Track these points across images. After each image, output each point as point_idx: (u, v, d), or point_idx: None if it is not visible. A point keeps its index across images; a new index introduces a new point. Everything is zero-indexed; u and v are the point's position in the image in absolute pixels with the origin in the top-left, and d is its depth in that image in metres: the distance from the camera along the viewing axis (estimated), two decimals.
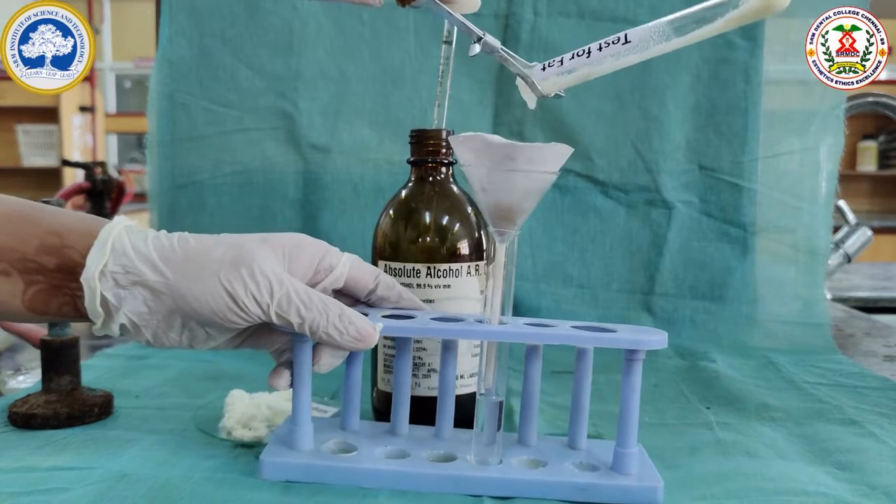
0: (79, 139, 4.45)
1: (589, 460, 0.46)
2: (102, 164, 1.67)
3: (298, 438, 0.46)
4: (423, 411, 0.51)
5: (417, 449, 0.47)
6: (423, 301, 0.53)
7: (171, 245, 0.43)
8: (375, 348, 0.54)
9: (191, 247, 0.44)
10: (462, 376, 0.54)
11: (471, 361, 0.54)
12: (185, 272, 0.43)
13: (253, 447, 0.51)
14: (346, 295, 0.49)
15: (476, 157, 0.43)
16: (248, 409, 0.54)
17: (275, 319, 0.43)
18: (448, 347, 0.48)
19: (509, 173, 0.42)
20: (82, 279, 0.43)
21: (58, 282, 0.44)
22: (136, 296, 0.43)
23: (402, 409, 0.49)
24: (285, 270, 0.45)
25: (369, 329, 0.44)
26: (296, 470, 0.45)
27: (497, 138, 0.43)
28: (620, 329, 0.46)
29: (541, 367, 0.48)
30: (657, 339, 0.45)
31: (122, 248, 0.43)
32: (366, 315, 0.46)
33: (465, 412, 0.50)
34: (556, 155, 0.43)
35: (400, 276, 0.53)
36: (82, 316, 0.44)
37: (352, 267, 0.48)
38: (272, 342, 0.49)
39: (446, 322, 0.47)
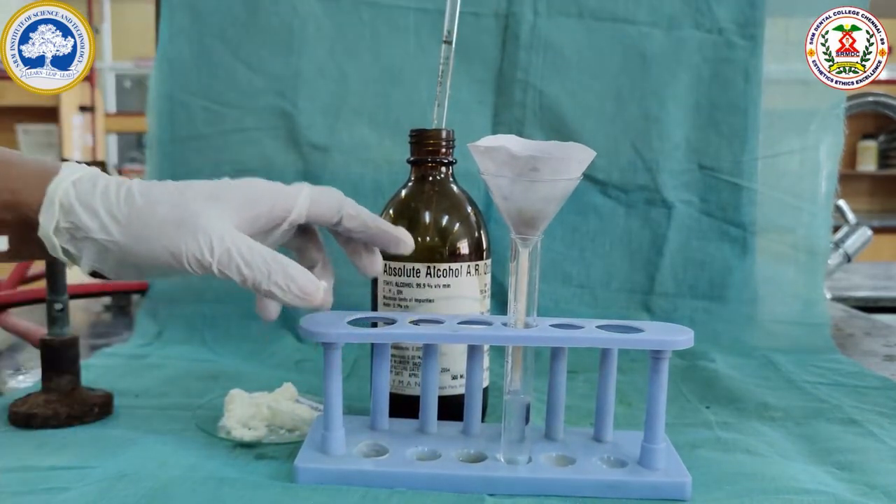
0: (79, 139, 4.44)
1: (616, 455, 0.47)
2: (102, 164, 1.68)
3: (331, 443, 0.47)
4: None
5: (447, 448, 0.48)
6: (423, 301, 0.53)
7: (117, 199, 0.44)
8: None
9: (136, 203, 0.44)
10: (462, 376, 0.54)
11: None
12: (129, 231, 0.43)
13: (253, 447, 0.51)
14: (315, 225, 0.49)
15: (499, 168, 0.43)
16: (247, 409, 0.54)
17: (217, 275, 0.43)
18: (475, 349, 0.49)
19: (533, 182, 0.42)
20: (40, 234, 0.44)
21: (22, 233, 0.45)
22: (89, 248, 0.44)
23: (431, 409, 0.50)
24: (234, 224, 0.44)
25: (311, 287, 0.44)
26: (330, 475, 0.45)
27: (520, 145, 0.43)
28: (647, 328, 0.47)
29: (566, 364, 0.49)
30: (684, 338, 0.46)
31: (69, 205, 0.43)
32: (394, 321, 0.47)
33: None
34: (579, 161, 0.42)
35: (400, 276, 0.53)
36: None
37: (311, 204, 0.47)
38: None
39: (475, 327, 0.47)
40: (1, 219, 0.44)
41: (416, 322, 0.48)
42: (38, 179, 0.44)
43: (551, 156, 0.42)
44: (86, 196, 0.44)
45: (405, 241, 0.48)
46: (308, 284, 0.44)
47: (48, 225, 0.43)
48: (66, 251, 0.44)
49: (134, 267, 0.44)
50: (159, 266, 0.43)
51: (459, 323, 0.48)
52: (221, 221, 0.44)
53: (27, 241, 0.45)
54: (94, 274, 0.46)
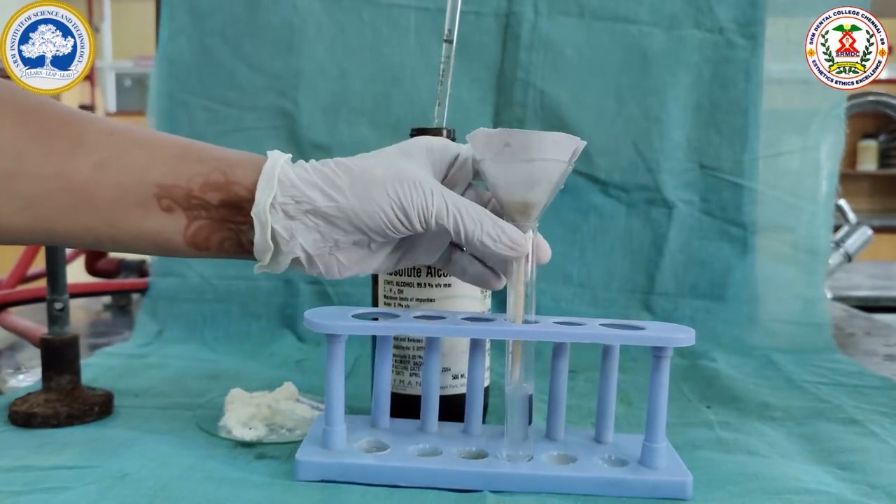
0: None
1: (617, 454, 0.47)
2: None
3: (332, 438, 0.47)
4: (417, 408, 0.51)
5: (448, 446, 0.48)
6: (424, 300, 0.53)
7: (333, 171, 0.45)
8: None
9: (353, 171, 0.45)
10: (463, 375, 0.54)
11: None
12: (354, 193, 0.44)
13: (253, 446, 0.51)
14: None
15: (481, 151, 0.44)
16: (248, 409, 0.54)
17: (434, 227, 0.44)
18: (476, 346, 0.49)
19: (511, 164, 0.43)
20: (253, 213, 0.44)
21: (221, 216, 0.45)
22: (308, 224, 0.44)
23: (432, 407, 0.50)
24: (434, 178, 0.46)
25: (520, 237, 0.45)
26: (331, 469, 0.45)
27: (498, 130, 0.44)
28: (649, 327, 0.47)
29: (568, 363, 0.49)
30: (685, 336, 0.46)
31: (288, 180, 0.44)
32: (397, 317, 0.47)
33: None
34: (553, 141, 0.43)
35: (401, 275, 0.53)
36: (244, 251, 0.46)
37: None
38: (426, 254, 0.50)
39: (478, 322, 0.47)
40: (203, 201, 0.44)
41: (419, 318, 0.48)
42: (249, 160, 0.45)
43: (519, 131, 0.43)
44: (302, 171, 0.45)
45: None
46: (517, 235, 0.45)
47: (264, 200, 0.43)
48: (273, 234, 0.44)
49: (357, 231, 0.45)
50: (385, 222, 0.44)
51: (463, 318, 0.48)
52: (427, 175, 0.45)
53: (221, 228, 0.45)
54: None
